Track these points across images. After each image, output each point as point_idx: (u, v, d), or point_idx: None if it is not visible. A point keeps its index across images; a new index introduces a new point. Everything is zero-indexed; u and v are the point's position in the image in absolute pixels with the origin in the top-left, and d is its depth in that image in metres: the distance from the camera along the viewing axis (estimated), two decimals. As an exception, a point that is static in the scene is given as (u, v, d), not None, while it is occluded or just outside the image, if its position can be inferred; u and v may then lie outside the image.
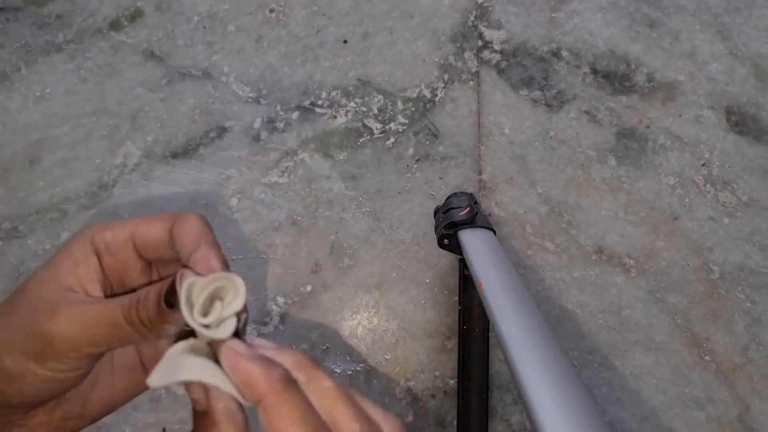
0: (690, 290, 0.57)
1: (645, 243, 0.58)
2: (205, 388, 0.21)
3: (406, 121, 0.61)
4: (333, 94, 0.62)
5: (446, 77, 0.62)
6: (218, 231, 0.59)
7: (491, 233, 0.49)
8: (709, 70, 0.61)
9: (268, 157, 0.60)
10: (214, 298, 0.22)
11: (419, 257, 0.58)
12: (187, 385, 0.21)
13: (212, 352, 0.21)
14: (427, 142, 0.60)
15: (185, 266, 0.23)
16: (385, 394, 0.56)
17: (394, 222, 0.59)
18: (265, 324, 0.57)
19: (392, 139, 0.61)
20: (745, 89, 0.61)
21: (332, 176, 0.60)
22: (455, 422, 0.54)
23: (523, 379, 0.29)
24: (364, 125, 0.61)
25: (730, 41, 0.62)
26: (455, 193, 0.55)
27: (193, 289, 0.21)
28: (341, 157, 0.60)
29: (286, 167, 0.60)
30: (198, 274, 0.22)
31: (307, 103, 0.62)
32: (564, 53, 0.62)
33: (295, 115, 0.61)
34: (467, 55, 0.62)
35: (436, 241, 0.51)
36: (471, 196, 0.55)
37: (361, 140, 0.61)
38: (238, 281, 0.22)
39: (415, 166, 0.60)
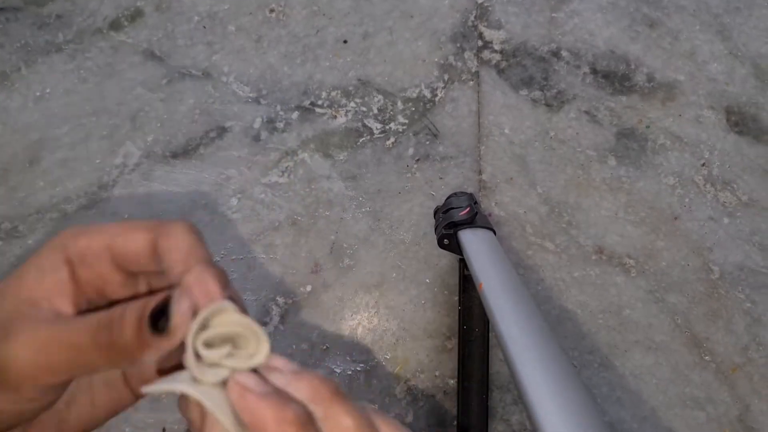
0: (690, 290, 0.57)
1: (645, 243, 0.58)
2: (203, 409, 0.19)
3: (406, 121, 0.61)
4: (333, 94, 0.62)
5: (446, 77, 0.62)
6: (218, 231, 0.59)
7: (491, 233, 0.49)
8: (709, 70, 0.61)
9: (268, 157, 0.60)
10: (224, 339, 0.19)
11: (419, 257, 0.58)
12: (183, 401, 0.20)
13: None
14: (427, 142, 0.60)
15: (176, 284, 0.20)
16: (385, 394, 0.56)
17: (394, 222, 0.59)
18: (265, 324, 0.57)
19: (392, 139, 0.61)
20: (745, 89, 0.61)
21: (332, 176, 0.60)
22: (455, 422, 0.54)
23: (523, 379, 0.29)
24: (364, 125, 0.61)
25: (730, 41, 0.62)
26: (455, 193, 0.55)
27: (211, 323, 0.19)
28: (341, 157, 0.60)
29: (286, 167, 0.60)
30: (195, 299, 0.19)
31: (307, 103, 0.62)
32: (564, 53, 0.62)
33: (295, 115, 0.61)
34: (467, 55, 0.62)
35: (436, 241, 0.51)
36: (471, 196, 0.55)
37: (361, 140, 0.61)
38: (263, 335, 0.19)
39: (415, 166, 0.60)
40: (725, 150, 0.60)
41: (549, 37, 0.63)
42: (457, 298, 0.55)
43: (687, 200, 0.59)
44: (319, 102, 0.61)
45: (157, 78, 0.62)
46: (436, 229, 0.52)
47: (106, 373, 0.23)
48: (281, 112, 0.61)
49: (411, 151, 0.60)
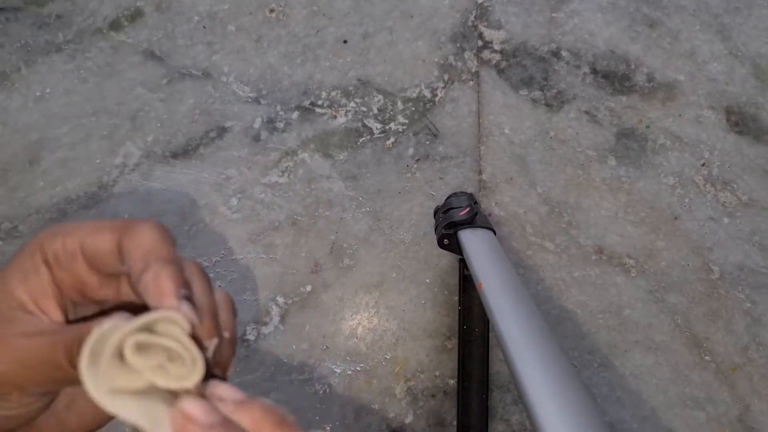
0: (690, 290, 0.57)
1: (645, 243, 0.58)
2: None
3: (406, 121, 0.61)
4: (333, 94, 0.62)
5: (446, 77, 0.62)
6: (218, 231, 0.59)
7: (491, 233, 0.49)
8: (709, 70, 0.61)
9: (268, 157, 0.60)
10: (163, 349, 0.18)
11: (419, 257, 0.58)
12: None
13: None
14: (427, 142, 0.60)
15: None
16: (385, 394, 0.56)
17: (394, 222, 0.59)
18: (265, 324, 0.57)
19: (392, 139, 0.61)
20: (745, 89, 0.61)
21: (332, 176, 0.60)
22: (455, 422, 0.54)
23: (523, 379, 0.29)
24: (364, 125, 0.61)
25: (730, 41, 0.62)
26: (455, 193, 0.55)
27: (104, 345, 0.17)
28: (341, 157, 0.60)
29: (286, 167, 0.60)
30: (151, 304, 0.18)
31: (307, 103, 0.62)
32: (564, 53, 0.62)
33: (295, 115, 0.61)
34: (467, 55, 0.62)
35: (436, 241, 0.51)
36: (471, 196, 0.55)
37: (361, 140, 0.61)
38: (199, 360, 0.18)
39: (415, 166, 0.60)
40: (725, 150, 0.60)
41: (549, 37, 0.63)
42: (457, 298, 0.55)
43: (687, 200, 0.59)
44: (319, 102, 0.61)
45: (157, 78, 0.62)
46: (436, 229, 0.52)
47: None
48: (281, 112, 0.61)
49: (411, 151, 0.60)
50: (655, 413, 0.55)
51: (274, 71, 0.62)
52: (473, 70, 0.62)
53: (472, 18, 0.63)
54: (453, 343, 0.56)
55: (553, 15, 0.63)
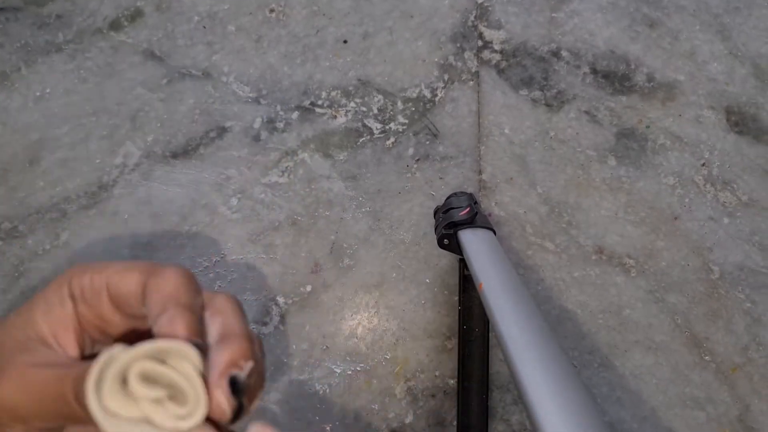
0: (690, 290, 0.57)
1: (645, 243, 0.58)
2: None
3: (406, 121, 0.61)
4: (333, 94, 0.62)
5: (446, 77, 0.62)
6: (218, 231, 0.59)
7: (491, 233, 0.49)
8: (709, 70, 0.61)
9: (268, 157, 0.60)
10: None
11: (419, 257, 0.58)
12: None
13: None
14: (427, 142, 0.60)
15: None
16: (385, 394, 0.56)
17: (394, 222, 0.59)
18: (265, 324, 0.57)
19: (392, 139, 0.61)
20: (745, 89, 0.61)
21: (332, 176, 0.60)
22: (455, 422, 0.54)
23: (523, 379, 0.29)
24: (364, 125, 0.61)
25: (730, 41, 0.62)
26: (455, 193, 0.55)
27: (111, 367, 0.17)
28: (341, 157, 0.60)
29: (286, 167, 0.60)
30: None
31: (307, 103, 0.62)
32: (564, 53, 0.62)
33: (295, 115, 0.61)
34: (467, 55, 0.62)
35: (436, 241, 0.51)
36: (471, 196, 0.55)
37: (361, 140, 0.61)
38: (203, 400, 0.17)
39: (415, 166, 0.60)
40: (725, 150, 0.60)
41: (549, 37, 0.63)
42: (457, 298, 0.55)
43: (687, 200, 0.59)
44: (319, 102, 0.61)
45: (157, 78, 0.62)
46: (436, 229, 0.52)
47: None
48: (281, 112, 0.61)
49: (411, 151, 0.60)
50: (655, 413, 0.55)
51: (274, 71, 0.62)
52: (473, 70, 0.62)
53: (472, 18, 0.63)
54: (453, 343, 0.56)
55: (553, 15, 0.63)
